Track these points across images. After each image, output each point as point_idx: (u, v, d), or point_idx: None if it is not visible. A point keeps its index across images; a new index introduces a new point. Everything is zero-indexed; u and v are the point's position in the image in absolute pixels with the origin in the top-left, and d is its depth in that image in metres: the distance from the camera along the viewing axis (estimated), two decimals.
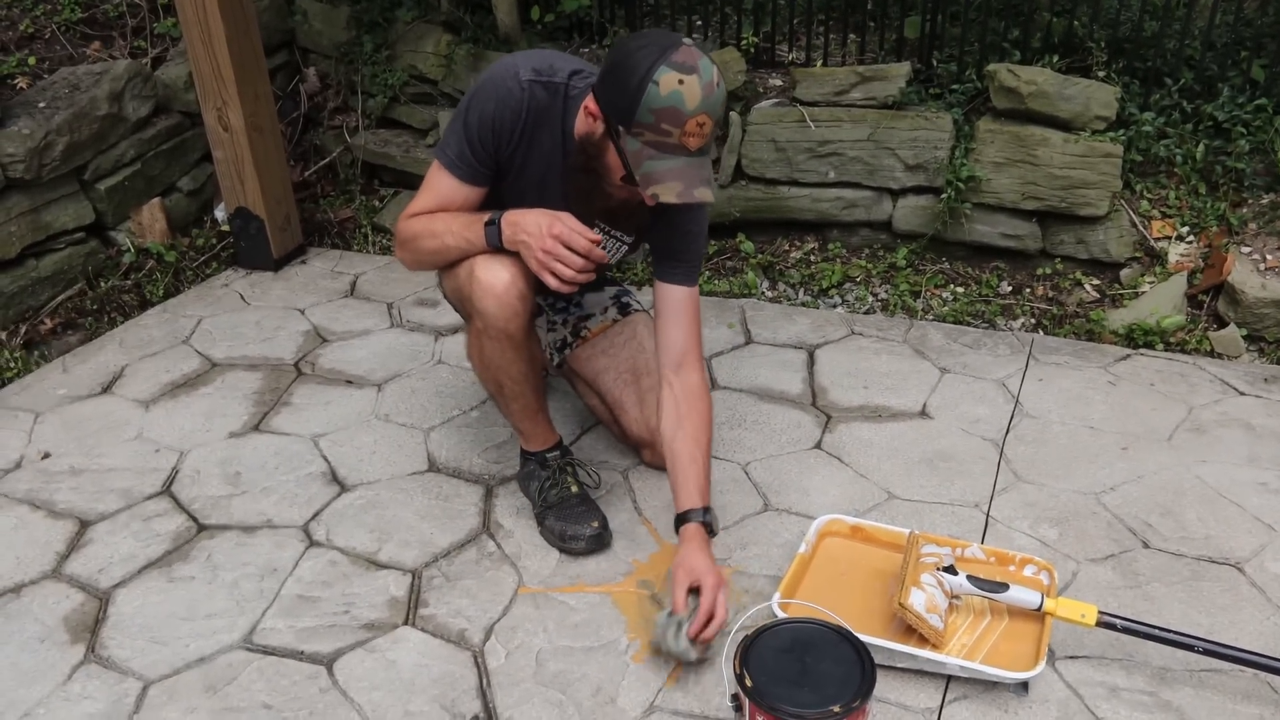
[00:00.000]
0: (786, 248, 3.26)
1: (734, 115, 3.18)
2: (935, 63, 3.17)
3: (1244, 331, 2.71)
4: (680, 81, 1.57)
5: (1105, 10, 3.09)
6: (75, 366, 2.76)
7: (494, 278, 1.78)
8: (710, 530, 1.79)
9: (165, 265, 3.26)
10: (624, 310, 2.28)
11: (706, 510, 1.80)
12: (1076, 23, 3.05)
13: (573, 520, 1.98)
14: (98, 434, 2.44)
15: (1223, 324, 2.75)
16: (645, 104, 1.58)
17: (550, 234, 1.69)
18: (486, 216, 1.78)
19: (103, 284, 3.16)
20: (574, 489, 2.03)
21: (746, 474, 2.23)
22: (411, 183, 3.56)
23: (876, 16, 3.28)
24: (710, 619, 1.66)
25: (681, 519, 1.80)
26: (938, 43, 3.19)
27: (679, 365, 1.90)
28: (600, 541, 1.98)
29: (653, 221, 1.87)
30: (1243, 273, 2.73)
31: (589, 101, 1.70)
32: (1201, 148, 2.89)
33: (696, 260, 1.96)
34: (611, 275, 2.42)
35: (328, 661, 1.76)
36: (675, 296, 1.92)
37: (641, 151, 1.63)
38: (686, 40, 1.61)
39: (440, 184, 1.85)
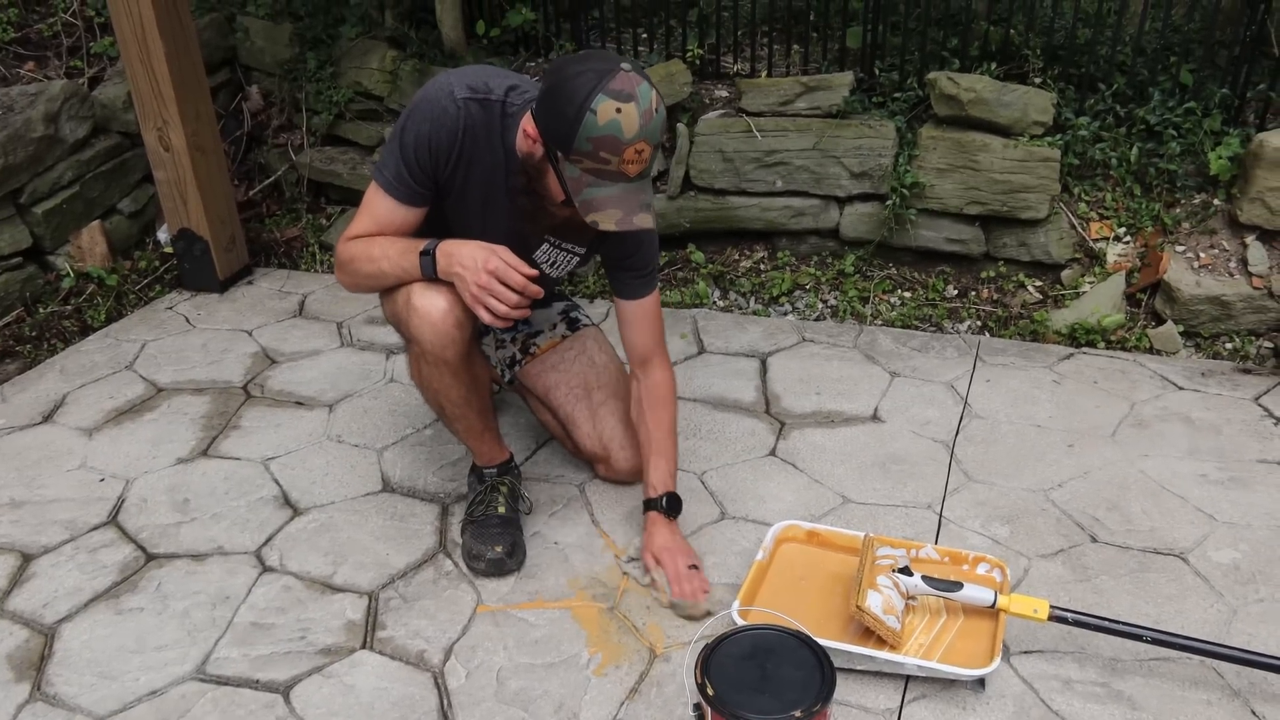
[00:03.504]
0: (736, 257, 3.29)
1: (681, 127, 3.20)
2: (877, 72, 3.23)
3: (1181, 328, 2.79)
4: (618, 110, 1.57)
5: (1040, 19, 3.17)
6: (14, 396, 2.69)
7: (430, 305, 1.77)
8: (667, 513, 1.97)
9: (106, 289, 3.19)
10: (573, 326, 2.27)
11: (667, 497, 1.98)
12: (1013, 31, 3.12)
13: (481, 540, 1.97)
14: (39, 464, 2.37)
15: (1160, 321, 2.83)
16: (583, 133, 1.58)
17: (485, 269, 1.68)
18: (422, 245, 1.76)
19: (41, 310, 3.08)
20: (500, 509, 2.02)
21: (703, 483, 2.24)
22: (358, 200, 3.48)
23: (819, 27, 3.32)
24: (689, 575, 1.88)
25: (645, 506, 1.99)
26: (879, 52, 3.24)
27: (644, 363, 2.02)
28: (500, 567, 1.95)
29: (602, 234, 1.88)
30: (1178, 271, 2.81)
31: (528, 124, 1.70)
32: (1135, 150, 2.97)
33: (650, 269, 1.98)
34: (560, 290, 2.42)
35: (284, 689, 1.73)
36: (633, 309, 1.98)
37: (581, 179, 1.63)
38: (624, 65, 1.60)
39: (379, 206, 1.83)
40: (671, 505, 1.97)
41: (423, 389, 1.94)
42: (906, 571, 1.78)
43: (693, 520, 2.12)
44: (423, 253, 1.76)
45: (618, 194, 1.63)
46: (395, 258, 1.79)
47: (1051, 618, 1.69)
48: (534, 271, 1.70)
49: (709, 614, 1.84)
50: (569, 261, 2.01)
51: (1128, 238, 2.97)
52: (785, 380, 2.65)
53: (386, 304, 1.92)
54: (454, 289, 1.76)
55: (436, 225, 1.86)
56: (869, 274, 3.16)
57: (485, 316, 1.71)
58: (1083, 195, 3.05)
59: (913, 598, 1.80)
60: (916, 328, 2.95)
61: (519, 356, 2.25)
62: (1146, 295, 2.89)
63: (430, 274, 1.76)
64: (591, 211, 1.64)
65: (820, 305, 3.08)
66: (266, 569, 2.02)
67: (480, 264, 1.69)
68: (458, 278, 1.72)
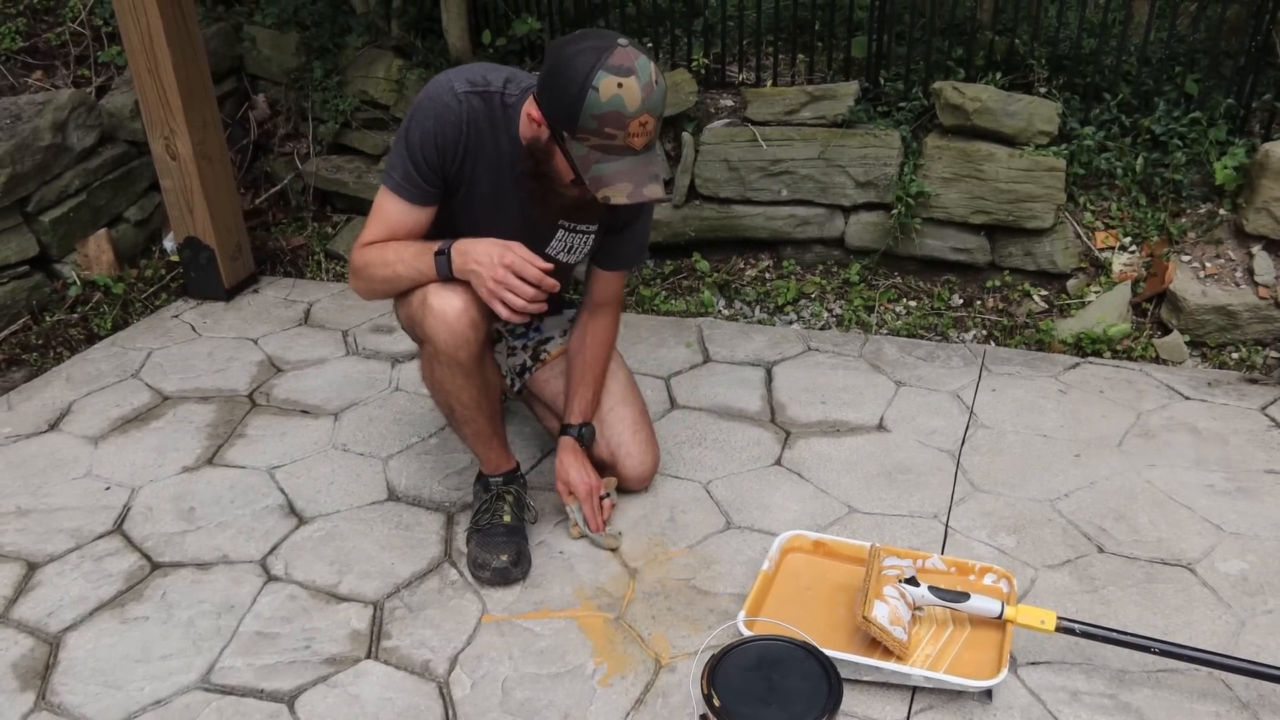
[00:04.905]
0: (742, 266, 3.29)
1: (686, 136, 3.20)
2: (882, 81, 3.23)
3: (1187, 338, 2.78)
4: (619, 85, 1.58)
5: (1045, 29, 3.17)
6: (20, 404, 2.69)
7: (446, 305, 1.78)
8: (581, 442, 2.10)
9: (113, 297, 3.20)
10: None
11: (582, 426, 2.10)
12: (1018, 41, 3.12)
13: (487, 549, 1.97)
14: (45, 473, 2.37)
15: (1166, 331, 2.82)
16: (587, 110, 1.60)
17: (501, 263, 1.70)
18: (436, 246, 1.78)
19: (48, 318, 3.09)
20: (506, 518, 2.02)
21: (708, 492, 2.24)
22: (364, 208, 3.52)
23: (824, 37, 3.33)
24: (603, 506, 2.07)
25: (561, 430, 2.12)
26: (884, 62, 3.25)
27: (600, 307, 2.12)
28: (506, 576, 1.95)
29: (613, 211, 1.89)
30: (1184, 281, 2.80)
31: (531, 108, 1.71)
32: (1140, 160, 2.97)
33: (641, 250, 2.08)
34: (570, 297, 2.42)
35: (289, 699, 1.73)
36: (607, 276, 2.09)
37: (589, 155, 1.65)
38: (622, 40, 1.62)
39: (389, 209, 1.84)
40: (584, 435, 2.10)
41: (434, 391, 1.94)
42: (913, 582, 1.77)
43: (698, 530, 2.11)
44: (438, 253, 1.77)
45: (626, 167, 1.65)
46: (410, 260, 1.80)
47: (1059, 629, 1.68)
48: (549, 265, 1.72)
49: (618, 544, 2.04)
50: (585, 243, 2.02)
51: (1133, 247, 2.97)
52: (790, 389, 2.65)
53: (401, 307, 1.93)
54: (470, 289, 1.77)
55: (445, 227, 1.88)
56: (874, 283, 3.16)
57: (503, 311, 1.72)
58: (1088, 205, 3.05)
59: (919, 608, 1.79)
60: (922, 337, 2.95)
61: (529, 363, 2.25)
62: (1152, 305, 2.88)
63: (446, 273, 1.77)
64: (602, 187, 1.65)
65: (825, 314, 3.08)
66: (271, 578, 2.01)
67: (496, 259, 1.71)
68: (473, 274, 1.74)
